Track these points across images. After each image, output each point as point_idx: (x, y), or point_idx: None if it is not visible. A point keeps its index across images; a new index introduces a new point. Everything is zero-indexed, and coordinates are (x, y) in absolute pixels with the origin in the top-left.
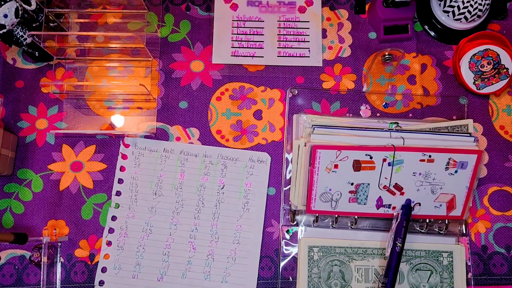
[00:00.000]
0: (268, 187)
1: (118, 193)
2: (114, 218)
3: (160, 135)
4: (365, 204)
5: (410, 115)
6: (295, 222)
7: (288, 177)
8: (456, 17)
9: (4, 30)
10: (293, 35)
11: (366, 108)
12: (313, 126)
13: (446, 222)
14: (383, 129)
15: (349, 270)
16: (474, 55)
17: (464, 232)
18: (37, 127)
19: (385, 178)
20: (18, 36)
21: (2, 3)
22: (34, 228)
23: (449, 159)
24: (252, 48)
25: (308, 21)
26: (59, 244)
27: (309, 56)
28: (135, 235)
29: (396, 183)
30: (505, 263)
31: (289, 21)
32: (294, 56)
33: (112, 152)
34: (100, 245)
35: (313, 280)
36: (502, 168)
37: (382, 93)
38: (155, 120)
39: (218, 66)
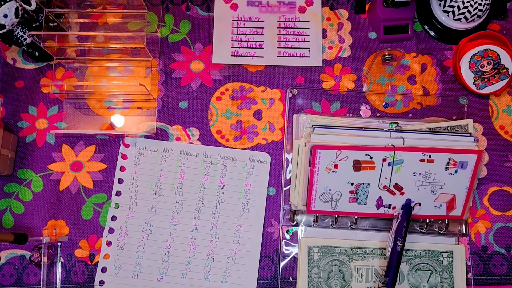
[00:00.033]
0: (268, 187)
1: (118, 193)
2: (114, 218)
3: (160, 135)
4: (365, 204)
5: (410, 115)
6: (295, 222)
7: (288, 177)
8: (456, 17)
9: (4, 30)
10: (293, 35)
11: (366, 108)
12: (313, 126)
13: (446, 222)
14: (383, 129)
15: (349, 270)
16: (474, 55)
17: (464, 232)
18: (37, 127)
19: (385, 178)
20: (18, 36)
21: (2, 3)
22: (34, 228)
23: (449, 159)
24: (252, 48)
25: (308, 21)
26: (59, 244)
27: (309, 56)
28: (135, 235)
29: (396, 183)
30: (505, 263)
31: (289, 21)
32: (294, 56)
33: (112, 152)
34: (100, 245)
35: (313, 280)
36: (502, 168)
37: (382, 93)
38: (155, 120)
39: (218, 66)
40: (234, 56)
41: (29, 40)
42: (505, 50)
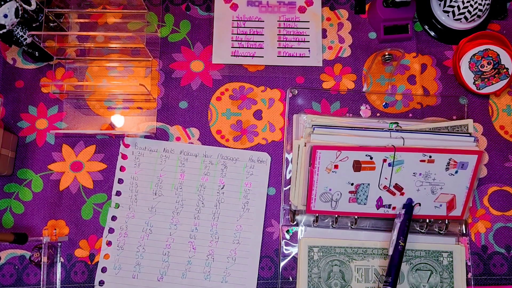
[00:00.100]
0: (268, 187)
1: (118, 193)
2: (114, 218)
3: (160, 135)
4: (365, 204)
5: (410, 115)
6: (295, 222)
7: (288, 177)
8: (456, 17)
9: (4, 30)
10: (293, 35)
11: (366, 108)
12: (313, 126)
13: (446, 222)
14: (383, 129)
15: (349, 270)
16: (474, 55)
17: (464, 232)
18: (37, 127)
19: (385, 178)
20: (18, 36)
21: (2, 3)
22: (34, 228)
23: (450, 159)
24: (252, 48)
25: (308, 21)
26: (59, 244)
27: (309, 56)
28: (135, 235)
29: (396, 183)
30: (505, 263)
31: (289, 21)
32: (294, 56)
33: (112, 152)
34: (100, 245)
35: (313, 280)
36: (502, 168)
37: (382, 93)
38: (155, 120)
39: (218, 66)
40: (234, 56)
41: (29, 40)
42: (505, 50)
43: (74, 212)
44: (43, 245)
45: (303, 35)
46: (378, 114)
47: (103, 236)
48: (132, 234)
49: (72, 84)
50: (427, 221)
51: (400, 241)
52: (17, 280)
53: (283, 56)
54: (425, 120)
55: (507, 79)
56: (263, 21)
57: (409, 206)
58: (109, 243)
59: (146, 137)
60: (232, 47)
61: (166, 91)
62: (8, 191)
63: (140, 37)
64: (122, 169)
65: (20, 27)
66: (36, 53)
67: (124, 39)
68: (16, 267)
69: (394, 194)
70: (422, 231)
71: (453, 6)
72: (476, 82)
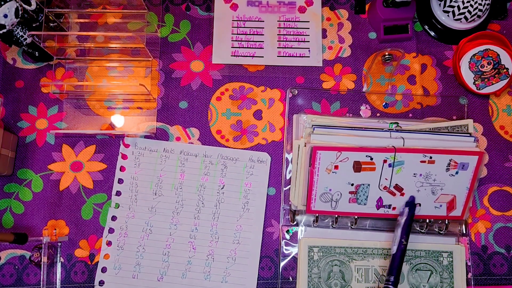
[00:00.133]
0: (268, 187)
1: (118, 193)
2: (114, 218)
3: (160, 135)
4: (365, 204)
5: (410, 115)
6: (295, 222)
7: (288, 177)
8: (456, 17)
9: (4, 30)
10: (293, 35)
11: (366, 108)
12: (313, 126)
13: (446, 222)
14: (383, 129)
15: (349, 270)
16: (474, 55)
17: (464, 232)
18: (37, 127)
19: (386, 179)
20: (18, 36)
21: (2, 3)
22: (34, 228)
23: (450, 160)
24: (252, 48)
25: (308, 21)
26: (59, 244)
27: (309, 56)
28: (135, 235)
29: (396, 184)
30: (505, 263)
31: (289, 21)
32: (294, 56)
33: (112, 152)
34: (100, 245)
35: (313, 280)
36: (502, 168)
37: (382, 93)
38: (155, 120)
39: (218, 66)
40: (234, 56)
41: (29, 40)
42: (505, 50)
43: (74, 212)
44: (43, 245)
45: (303, 35)
46: (378, 114)
47: (103, 236)
48: (132, 234)
49: (72, 84)
50: (427, 221)
51: (403, 240)
52: (17, 280)
53: (283, 56)
54: (425, 120)
55: (507, 79)
56: (263, 21)
57: (412, 204)
58: (109, 243)
59: (146, 137)
60: (232, 47)
61: (166, 91)
62: (8, 191)
63: (140, 37)
64: (122, 169)
65: (20, 27)
66: (36, 53)
67: (124, 39)
68: (16, 267)
69: (394, 194)
70: (422, 231)
71: (453, 6)
72: (476, 82)
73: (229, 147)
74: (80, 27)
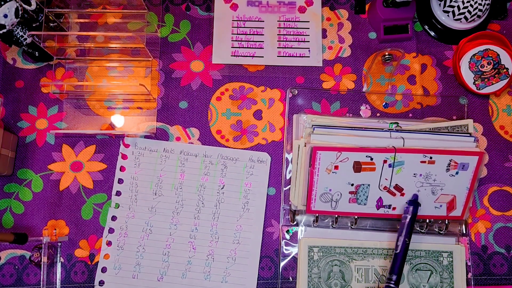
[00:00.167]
0: (268, 187)
1: (118, 193)
2: (114, 218)
3: (160, 135)
4: (365, 204)
5: (410, 115)
6: (295, 222)
7: (288, 177)
8: (456, 17)
9: (4, 30)
10: (293, 35)
11: (366, 108)
12: (313, 126)
13: (446, 222)
14: (383, 129)
15: (349, 270)
16: (474, 55)
17: (464, 232)
18: (37, 127)
19: (386, 179)
20: (18, 36)
21: (2, 3)
22: (34, 228)
23: (450, 160)
24: (252, 48)
25: (308, 21)
26: (59, 244)
27: (309, 56)
28: (135, 235)
29: (396, 184)
30: (505, 263)
31: (289, 21)
32: (294, 56)
33: (112, 152)
34: (100, 245)
35: (313, 280)
36: (502, 168)
37: (382, 93)
38: (155, 120)
39: (218, 66)
40: (234, 56)
41: (29, 40)
42: (505, 50)
43: (74, 212)
44: (43, 245)
45: (303, 35)
46: (378, 114)
47: (103, 236)
48: (132, 234)
49: (72, 84)
50: (427, 221)
51: (406, 239)
52: (17, 280)
53: (283, 56)
54: (425, 120)
55: (507, 79)
56: (263, 21)
57: (415, 202)
58: (109, 243)
59: (146, 137)
60: (232, 47)
61: (166, 91)
62: (8, 191)
63: (140, 37)
64: (122, 169)
65: (20, 27)
66: (36, 53)
67: (124, 39)
68: (16, 267)
69: (394, 194)
70: (422, 231)
71: (453, 6)
72: (476, 82)
73: (229, 147)
74: (80, 27)
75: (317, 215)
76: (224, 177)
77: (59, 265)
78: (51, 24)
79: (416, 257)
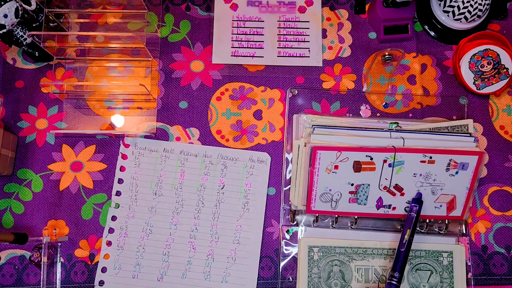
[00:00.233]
0: (268, 187)
1: (118, 193)
2: (114, 218)
3: (160, 135)
4: (365, 204)
5: (410, 115)
6: (295, 222)
7: (288, 177)
8: (456, 17)
9: (4, 30)
10: (293, 35)
11: (366, 108)
12: (313, 126)
13: (446, 222)
14: (383, 129)
15: (349, 270)
16: (474, 55)
17: (464, 232)
18: (37, 127)
19: (386, 179)
20: (18, 36)
21: (2, 3)
22: (34, 228)
23: (450, 160)
24: (252, 48)
25: (308, 21)
26: (59, 244)
27: (309, 56)
28: (135, 235)
29: (396, 184)
30: (505, 263)
31: (289, 21)
32: (294, 56)
33: (112, 152)
34: (100, 245)
35: (313, 280)
36: (502, 168)
37: (382, 93)
38: (155, 120)
39: (218, 66)
40: (234, 56)
41: (29, 40)
42: (505, 50)
43: (74, 212)
44: (43, 245)
45: (303, 35)
46: (378, 114)
47: (103, 236)
48: (132, 234)
49: (72, 84)
50: (427, 221)
51: (411, 237)
52: (17, 280)
53: (283, 56)
54: (425, 120)
55: (507, 79)
56: (263, 21)
57: (419, 200)
58: (109, 243)
59: (146, 137)
60: (232, 47)
61: (166, 91)
62: (8, 191)
63: (140, 37)
64: (122, 169)
65: (20, 27)
66: (36, 53)
67: (124, 39)
68: (16, 267)
69: (394, 194)
70: (422, 231)
71: (453, 6)
72: (476, 82)
73: (229, 147)
74: (80, 27)
75: (317, 215)
76: (224, 177)
77: (59, 265)
78: (51, 24)
79: (416, 257)
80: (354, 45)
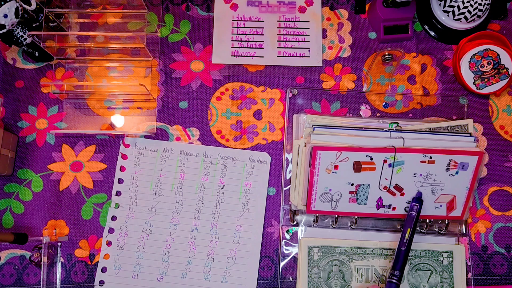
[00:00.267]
0: (268, 187)
1: (118, 193)
2: (114, 218)
3: (160, 135)
4: (365, 204)
5: (410, 115)
6: (295, 222)
7: (288, 177)
8: (456, 17)
9: (4, 30)
10: (293, 35)
11: (366, 108)
12: (313, 126)
13: (446, 222)
14: (383, 129)
15: (349, 270)
16: (474, 55)
17: (464, 232)
18: (37, 127)
19: (386, 179)
20: (18, 36)
21: (2, 3)
22: (34, 228)
23: (450, 160)
24: (252, 48)
25: (308, 21)
26: (59, 244)
27: (309, 56)
28: (135, 235)
29: (396, 184)
30: (505, 263)
31: (289, 21)
32: (294, 56)
33: (112, 152)
34: (100, 245)
35: (313, 280)
36: (502, 168)
37: (382, 93)
38: (155, 120)
39: (218, 66)
40: (234, 56)
41: (29, 40)
42: (505, 50)
43: (74, 212)
44: (43, 245)
45: (303, 35)
46: (378, 114)
47: (103, 236)
48: (132, 234)
49: (72, 84)
50: (427, 221)
51: (411, 236)
52: (17, 280)
53: (283, 56)
54: (425, 120)
55: (507, 79)
56: (263, 21)
57: (419, 200)
58: (109, 243)
59: (146, 137)
60: (232, 47)
61: (166, 91)
62: (8, 191)
63: (140, 37)
64: (122, 169)
65: (20, 27)
66: (36, 53)
67: (124, 39)
68: (16, 267)
69: (394, 194)
70: (422, 231)
71: (453, 6)
72: (476, 82)
73: (229, 147)
74: (80, 27)
75: (317, 215)
76: (224, 177)
77: (59, 265)
78: (51, 24)
79: (416, 257)
80: (354, 45)
